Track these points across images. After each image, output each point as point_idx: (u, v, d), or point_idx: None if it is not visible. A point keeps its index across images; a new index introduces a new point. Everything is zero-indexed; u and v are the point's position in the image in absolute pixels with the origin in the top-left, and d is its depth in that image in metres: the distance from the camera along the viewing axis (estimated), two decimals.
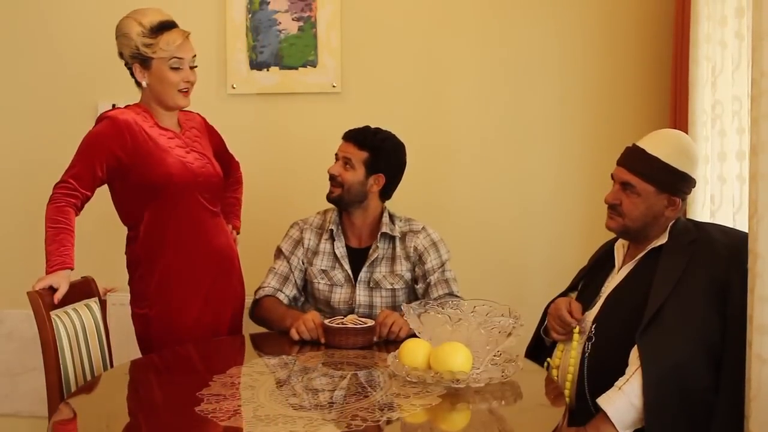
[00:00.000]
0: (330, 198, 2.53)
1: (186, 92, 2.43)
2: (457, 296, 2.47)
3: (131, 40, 2.35)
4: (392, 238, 2.54)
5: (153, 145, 2.36)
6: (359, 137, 2.52)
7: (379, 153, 2.51)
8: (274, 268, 2.57)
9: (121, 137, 2.33)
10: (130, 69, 2.43)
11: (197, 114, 2.60)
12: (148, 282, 2.42)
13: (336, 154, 2.55)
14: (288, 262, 2.55)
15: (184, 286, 2.41)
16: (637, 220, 2.11)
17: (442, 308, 2.06)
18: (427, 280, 2.51)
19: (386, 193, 2.57)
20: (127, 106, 2.44)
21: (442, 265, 2.53)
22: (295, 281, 2.56)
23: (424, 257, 2.52)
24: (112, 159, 2.32)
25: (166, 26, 2.38)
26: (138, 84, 2.44)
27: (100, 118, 2.39)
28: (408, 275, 2.53)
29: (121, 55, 2.43)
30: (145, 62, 2.37)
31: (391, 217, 2.58)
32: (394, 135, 2.58)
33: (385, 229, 2.53)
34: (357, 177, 2.49)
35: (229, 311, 2.52)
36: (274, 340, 2.43)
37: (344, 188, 2.49)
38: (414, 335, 2.12)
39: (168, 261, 2.40)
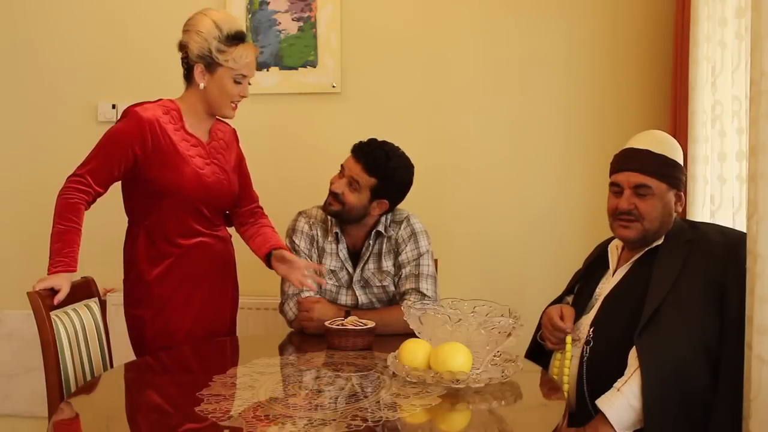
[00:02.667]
0: (327, 210, 2.47)
1: (235, 106, 2.42)
2: (423, 293, 2.43)
3: (205, 41, 2.32)
4: (381, 234, 2.51)
5: (172, 150, 2.33)
6: (370, 161, 2.41)
7: (389, 182, 2.43)
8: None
9: (143, 136, 2.30)
10: (187, 65, 2.39)
11: (231, 127, 2.57)
12: (144, 284, 2.40)
13: (342, 166, 2.46)
14: (310, 259, 2.50)
15: (181, 291, 2.40)
16: (655, 221, 2.10)
17: (442, 308, 2.06)
18: (401, 271, 2.48)
19: (388, 211, 2.52)
20: (159, 101, 2.40)
21: (418, 257, 2.47)
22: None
23: (401, 248, 2.49)
24: (130, 158, 2.30)
25: (240, 37, 2.36)
26: (187, 79, 2.41)
27: (126, 113, 2.35)
28: (393, 270, 2.50)
29: (182, 48, 2.38)
30: (210, 66, 2.34)
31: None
32: (406, 158, 2.48)
33: (379, 227, 2.50)
34: (360, 201, 2.43)
35: (226, 316, 2.51)
36: (274, 341, 2.43)
37: (345, 207, 2.43)
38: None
39: (167, 265, 2.39)
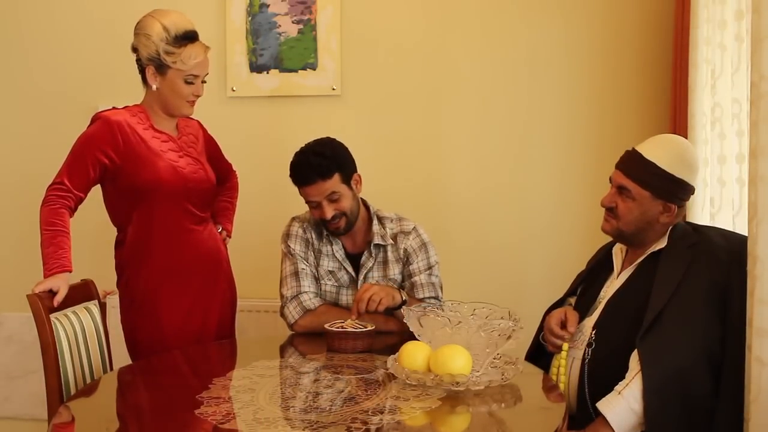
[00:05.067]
0: (338, 233, 2.46)
1: (192, 103, 2.44)
2: (440, 301, 2.46)
3: (153, 44, 2.34)
4: (379, 246, 2.51)
5: (145, 147, 2.36)
6: (320, 170, 2.38)
7: (339, 161, 2.42)
8: (304, 269, 2.48)
9: (114, 138, 2.33)
10: (141, 67, 2.42)
11: (196, 120, 2.60)
12: (134, 286, 2.42)
13: (311, 201, 2.42)
14: (307, 261, 2.50)
15: (170, 291, 2.41)
16: (630, 224, 2.11)
17: (442, 310, 2.06)
18: (413, 280, 2.49)
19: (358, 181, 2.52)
20: (125, 107, 2.44)
21: (430, 267, 2.51)
22: (318, 280, 2.52)
23: (412, 258, 2.50)
24: (104, 160, 2.32)
25: (189, 37, 2.37)
26: (144, 82, 2.43)
27: (94, 119, 2.39)
28: (399, 278, 2.52)
29: (135, 50, 2.41)
30: (160, 68, 2.37)
31: (381, 220, 2.54)
32: (323, 138, 2.49)
33: (377, 239, 2.50)
34: (349, 198, 2.43)
35: (216, 316, 2.51)
36: (274, 344, 2.43)
37: (348, 215, 2.44)
38: (392, 308, 2.28)
39: (153, 265, 2.40)
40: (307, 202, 2.46)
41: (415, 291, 2.48)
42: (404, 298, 2.37)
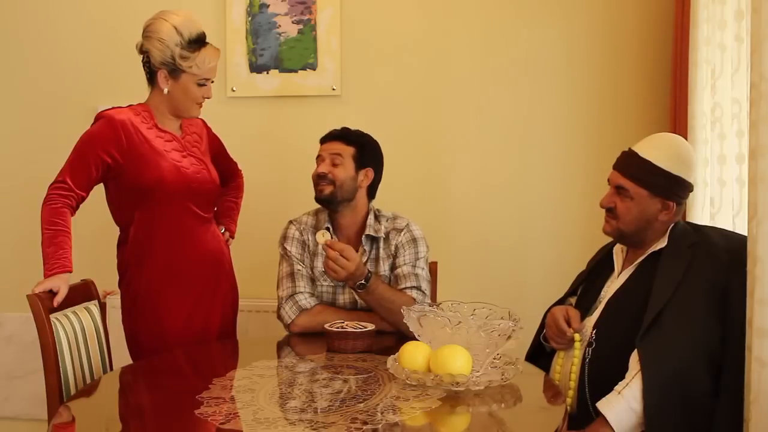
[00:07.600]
0: (320, 197, 2.47)
1: (201, 105, 2.45)
2: (423, 292, 2.43)
3: (168, 48, 2.33)
4: (377, 239, 2.52)
5: (148, 147, 2.36)
6: (344, 135, 2.51)
7: (366, 147, 2.51)
8: (300, 270, 2.48)
9: (117, 137, 2.32)
10: (149, 70, 2.41)
11: (200, 119, 2.59)
12: (136, 286, 2.41)
13: (319, 156, 2.51)
14: (303, 263, 2.50)
15: (172, 291, 2.40)
16: (630, 224, 2.11)
17: (442, 311, 2.06)
18: (396, 272, 2.48)
19: (373, 190, 2.55)
20: (129, 106, 2.43)
21: (416, 260, 2.49)
22: (314, 282, 2.52)
23: (399, 252, 2.50)
24: (107, 159, 2.32)
25: (202, 39, 2.38)
26: (150, 82, 2.43)
27: (98, 117, 2.39)
28: (389, 273, 2.50)
29: (144, 53, 2.40)
30: (174, 72, 2.37)
31: (377, 216, 2.55)
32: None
33: (369, 231, 2.50)
34: (348, 173, 2.47)
35: (218, 317, 2.51)
36: (273, 344, 2.43)
37: (336, 185, 2.45)
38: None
39: (155, 265, 2.39)
40: (317, 158, 2.52)
41: (398, 282, 2.46)
42: (357, 288, 2.33)
